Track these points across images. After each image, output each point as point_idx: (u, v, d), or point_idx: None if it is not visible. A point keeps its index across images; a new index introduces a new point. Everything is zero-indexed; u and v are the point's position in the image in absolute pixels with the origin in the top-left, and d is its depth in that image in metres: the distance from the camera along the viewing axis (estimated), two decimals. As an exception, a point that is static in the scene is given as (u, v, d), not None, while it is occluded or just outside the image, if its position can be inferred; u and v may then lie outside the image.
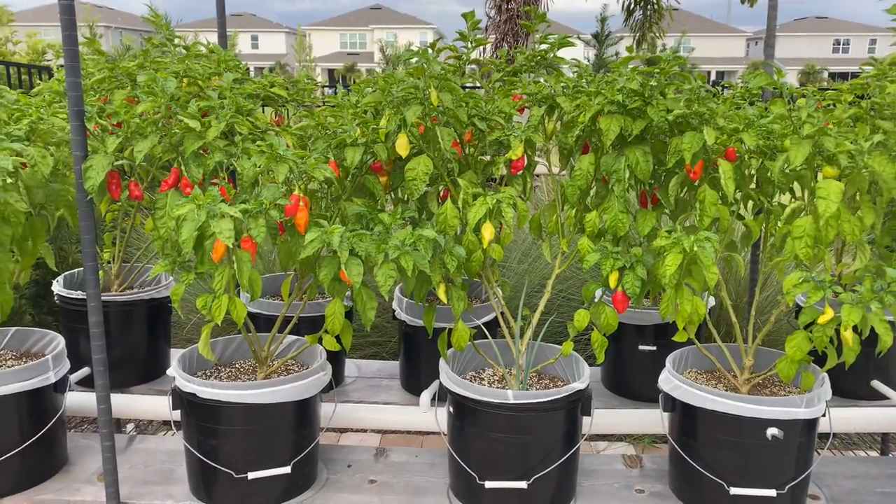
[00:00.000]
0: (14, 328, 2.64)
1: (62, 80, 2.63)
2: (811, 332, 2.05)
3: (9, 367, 2.45)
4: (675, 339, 2.25)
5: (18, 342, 2.64)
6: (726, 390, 2.31)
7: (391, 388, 3.14)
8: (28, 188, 2.13)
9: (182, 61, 2.61)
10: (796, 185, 2.28)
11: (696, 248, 1.99)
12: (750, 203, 2.45)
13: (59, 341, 2.55)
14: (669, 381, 2.29)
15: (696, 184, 2.27)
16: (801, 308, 2.70)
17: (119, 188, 2.19)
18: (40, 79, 7.20)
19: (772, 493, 2.15)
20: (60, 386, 2.45)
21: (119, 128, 2.26)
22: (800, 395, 2.17)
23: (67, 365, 2.50)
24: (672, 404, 2.29)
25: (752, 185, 2.39)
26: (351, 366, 3.35)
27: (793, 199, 2.28)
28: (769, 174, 2.30)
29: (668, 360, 2.39)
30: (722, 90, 2.64)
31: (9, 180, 1.91)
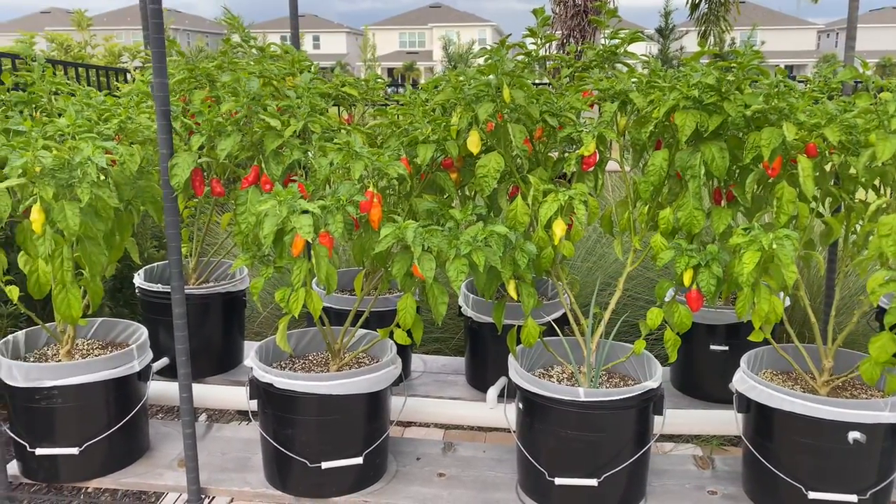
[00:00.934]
0: (100, 319, 2.77)
1: (147, 81, 2.75)
2: (897, 333, 1.98)
3: (96, 355, 2.57)
4: (751, 338, 2.20)
5: (104, 332, 2.77)
6: (804, 392, 2.25)
7: (457, 383, 3.16)
8: (117, 185, 2.23)
9: (259, 62, 2.69)
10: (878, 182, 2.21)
11: (774, 246, 1.95)
12: (827, 200, 2.38)
13: (143, 332, 2.67)
14: (745, 381, 2.25)
15: (773, 180, 2.21)
16: (884, 309, 2.61)
17: (202, 185, 2.27)
18: (116, 80, 7.49)
19: (853, 498, 2.09)
20: (144, 374, 2.55)
21: (200, 127, 2.34)
22: (883, 398, 2.10)
23: (150, 355, 2.61)
24: (747, 405, 2.25)
25: (832, 182, 2.32)
26: (417, 361, 3.39)
27: (871, 196, 2.21)
28: (851, 170, 2.23)
29: (743, 360, 2.35)
30: (796, 84, 2.57)
31: (102, 177, 2.00)
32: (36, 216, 1.97)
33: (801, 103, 2.11)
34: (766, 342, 2.30)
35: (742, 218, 2.42)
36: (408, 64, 46.15)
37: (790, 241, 1.95)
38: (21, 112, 2.49)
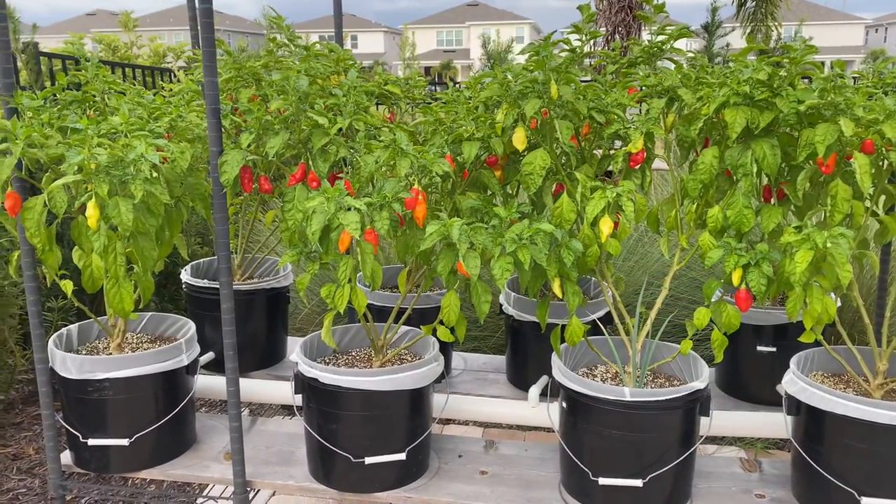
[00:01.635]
0: (149, 313, 2.83)
1: (196, 80, 2.79)
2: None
3: (145, 349, 2.62)
4: (802, 339, 2.16)
5: (153, 326, 2.83)
6: (856, 395, 2.20)
7: (498, 381, 3.16)
8: (167, 182, 2.27)
9: (304, 60, 2.71)
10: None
11: (829, 245, 1.91)
12: (881, 198, 2.32)
13: (190, 326, 2.72)
14: (795, 383, 2.20)
15: (826, 178, 2.16)
16: (940, 311, 2.53)
17: (251, 182, 2.31)
18: (161, 80, 7.65)
19: (908, 505, 2.03)
20: (191, 368, 2.60)
21: (248, 125, 2.38)
22: (941, 402, 2.04)
23: (198, 349, 2.66)
24: (797, 407, 2.21)
25: (887, 180, 2.26)
26: (458, 358, 3.39)
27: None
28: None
29: (793, 362, 2.30)
30: (853, 80, 2.51)
31: (154, 174, 2.04)
32: (91, 212, 2.02)
33: (858, 98, 2.06)
34: (816, 343, 2.25)
35: (791, 217, 2.37)
36: (445, 62, 46.21)
37: (845, 239, 1.91)
38: (75, 111, 2.55)
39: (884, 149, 2.13)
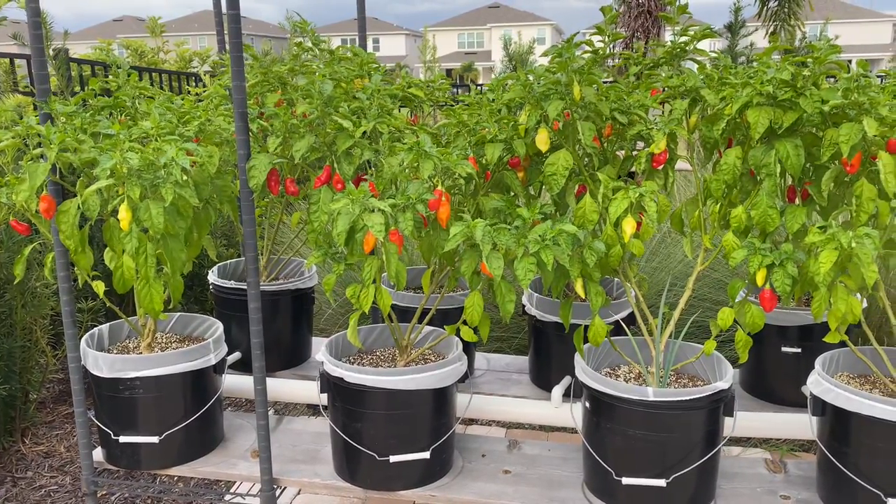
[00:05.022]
0: (178, 314, 2.88)
1: (224, 85, 2.85)
2: None
3: (174, 348, 2.68)
4: (827, 339, 2.15)
5: (181, 326, 2.88)
6: (882, 395, 2.18)
7: (521, 382, 3.17)
8: (196, 185, 2.32)
9: (329, 65, 2.75)
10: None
11: (854, 245, 1.90)
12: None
13: (218, 326, 2.76)
14: (820, 383, 2.19)
15: (851, 178, 2.16)
16: (968, 311, 2.50)
17: (277, 184, 2.35)
18: (188, 84, 7.77)
19: (935, 506, 2.02)
20: (219, 367, 2.65)
21: (274, 128, 2.42)
22: (970, 403, 2.02)
23: (225, 349, 2.70)
24: (822, 408, 2.20)
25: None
26: (480, 359, 3.41)
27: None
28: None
29: (818, 363, 2.29)
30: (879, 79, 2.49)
31: (184, 177, 2.09)
32: (124, 214, 2.07)
33: (883, 97, 2.05)
34: (842, 344, 2.24)
35: (816, 217, 2.36)
36: (466, 64, 46.23)
37: (871, 239, 1.90)
38: (108, 117, 2.62)
39: (909, 148, 2.12)
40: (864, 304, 2.81)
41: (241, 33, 2.14)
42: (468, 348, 3.11)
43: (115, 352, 2.67)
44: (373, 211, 2.01)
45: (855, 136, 1.98)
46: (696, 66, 2.51)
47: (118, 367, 2.45)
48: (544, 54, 2.44)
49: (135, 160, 2.04)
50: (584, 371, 2.28)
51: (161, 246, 2.26)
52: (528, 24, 56.59)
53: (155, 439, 2.51)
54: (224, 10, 2.32)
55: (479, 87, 3.61)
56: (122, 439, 2.51)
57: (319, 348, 2.48)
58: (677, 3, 2.48)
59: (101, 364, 2.46)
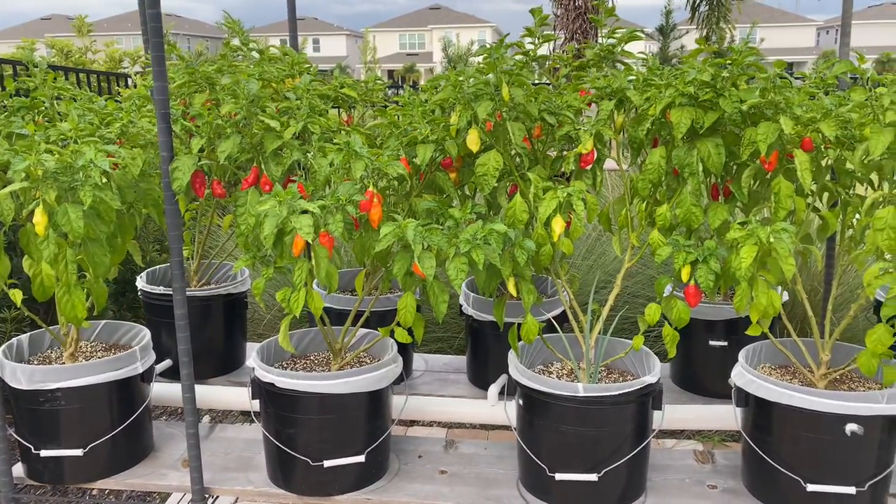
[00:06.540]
0: (103, 321, 2.79)
1: (148, 86, 2.76)
2: (893, 325, 2.00)
3: (99, 357, 2.59)
4: (749, 332, 2.22)
5: (107, 335, 2.79)
6: (802, 385, 2.27)
7: (458, 382, 3.18)
8: (119, 188, 2.25)
9: (258, 65, 2.71)
10: (875, 176, 2.23)
11: (772, 240, 1.97)
12: (825, 195, 2.40)
13: (145, 333, 2.69)
14: (743, 375, 2.26)
15: (770, 175, 2.23)
16: (880, 303, 2.62)
17: (203, 187, 2.29)
18: (118, 85, 7.53)
19: (851, 490, 2.10)
20: (147, 376, 2.57)
21: (200, 129, 2.37)
22: (881, 390, 2.11)
23: (153, 356, 2.63)
24: (745, 399, 2.27)
25: (828, 177, 2.34)
26: (419, 360, 3.41)
27: (868, 190, 2.22)
28: (847, 165, 2.25)
29: (741, 355, 2.37)
30: (794, 80, 2.59)
31: (104, 180, 2.02)
32: (39, 219, 2.00)
33: (798, 97, 2.13)
34: (764, 337, 2.32)
35: (740, 214, 2.43)
36: (408, 65, 46.21)
37: (788, 234, 1.97)
38: (23, 117, 2.51)
39: (823, 147, 2.21)
40: (786, 298, 2.92)
41: (161, 32, 2.08)
42: (406, 350, 3.10)
43: (35, 362, 2.57)
44: (301, 212, 1.98)
45: (772, 134, 2.05)
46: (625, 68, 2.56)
47: (38, 379, 2.35)
48: (475, 55, 2.45)
49: (50, 162, 1.96)
50: (516, 369, 2.30)
51: (82, 251, 2.18)
52: (469, 26, 56.90)
53: (79, 452, 2.42)
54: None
55: (412, 88, 3.61)
56: (44, 453, 2.42)
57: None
58: (604, 6, 2.53)
59: (20, 376, 2.36)
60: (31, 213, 2.06)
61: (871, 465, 2.10)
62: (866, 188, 2.29)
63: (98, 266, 2.17)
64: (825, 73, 2.32)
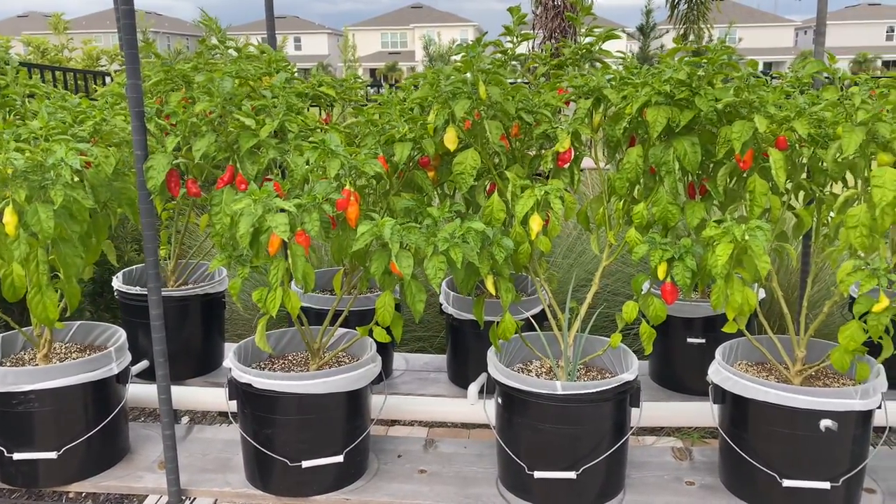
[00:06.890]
0: (78, 322, 2.76)
1: (122, 84, 2.73)
2: (866, 321, 2.02)
3: (74, 359, 2.55)
4: (725, 329, 2.24)
5: (82, 335, 2.75)
6: (778, 382, 2.28)
7: (439, 381, 3.17)
8: (92, 187, 2.22)
9: (235, 62, 2.68)
10: (848, 174, 2.25)
11: (747, 238, 1.98)
12: (801, 193, 2.42)
13: (121, 334, 2.65)
14: (719, 372, 2.28)
15: (745, 174, 2.25)
16: (854, 300, 2.65)
17: (178, 186, 2.27)
18: (95, 83, 7.44)
19: (825, 485, 2.12)
20: (122, 377, 2.54)
21: (175, 128, 2.34)
22: (854, 386, 2.13)
23: (129, 357, 2.60)
24: (722, 396, 2.28)
25: (803, 175, 2.36)
26: (399, 359, 3.40)
27: (845, 188, 2.25)
28: (821, 163, 2.27)
29: (718, 352, 2.38)
30: (770, 80, 2.61)
31: (76, 178, 1.99)
32: (9, 219, 1.96)
33: (772, 96, 2.15)
34: (740, 333, 2.33)
35: (717, 212, 2.45)
36: (390, 64, 46.10)
37: (762, 231, 1.98)
38: (-7, 115, 2.47)
39: (797, 145, 2.22)
40: (763, 295, 2.94)
41: (134, 29, 2.06)
42: (386, 349, 3.09)
43: (7, 364, 2.53)
44: (277, 211, 1.97)
45: (746, 132, 2.06)
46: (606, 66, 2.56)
47: (10, 381, 2.32)
48: (453, 53, 2.44)
49: (20, 161, 1.93)
50: (496, 367, 2.30)
51: (54, 252, 2.15)
52: (451, 25, 56.87)
53: (53, 455, 2.38)
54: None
55: (391, 86, 3.59)
56: (17, 456, 2.38)
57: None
58: (581, 4, 2.53)
59: (-8, 378, 2.32)
60: (1, 212, 2.02)
61: (846, 460, 2.12)
62: (843, 187, 2.32)
63: (70, 266, 2.14)
64: (800, 73, 2.34)
